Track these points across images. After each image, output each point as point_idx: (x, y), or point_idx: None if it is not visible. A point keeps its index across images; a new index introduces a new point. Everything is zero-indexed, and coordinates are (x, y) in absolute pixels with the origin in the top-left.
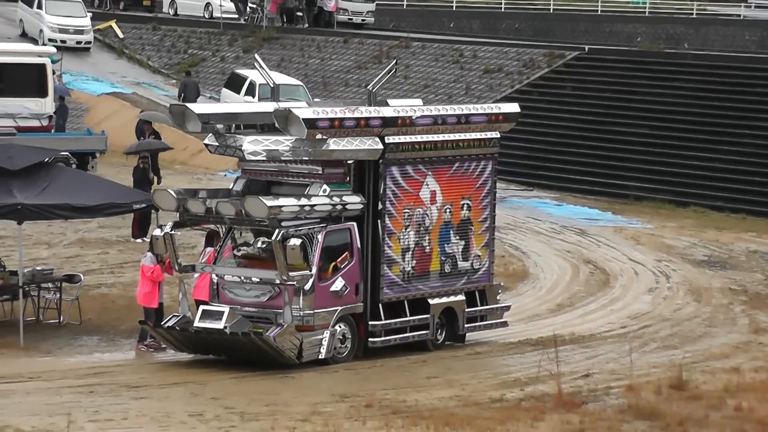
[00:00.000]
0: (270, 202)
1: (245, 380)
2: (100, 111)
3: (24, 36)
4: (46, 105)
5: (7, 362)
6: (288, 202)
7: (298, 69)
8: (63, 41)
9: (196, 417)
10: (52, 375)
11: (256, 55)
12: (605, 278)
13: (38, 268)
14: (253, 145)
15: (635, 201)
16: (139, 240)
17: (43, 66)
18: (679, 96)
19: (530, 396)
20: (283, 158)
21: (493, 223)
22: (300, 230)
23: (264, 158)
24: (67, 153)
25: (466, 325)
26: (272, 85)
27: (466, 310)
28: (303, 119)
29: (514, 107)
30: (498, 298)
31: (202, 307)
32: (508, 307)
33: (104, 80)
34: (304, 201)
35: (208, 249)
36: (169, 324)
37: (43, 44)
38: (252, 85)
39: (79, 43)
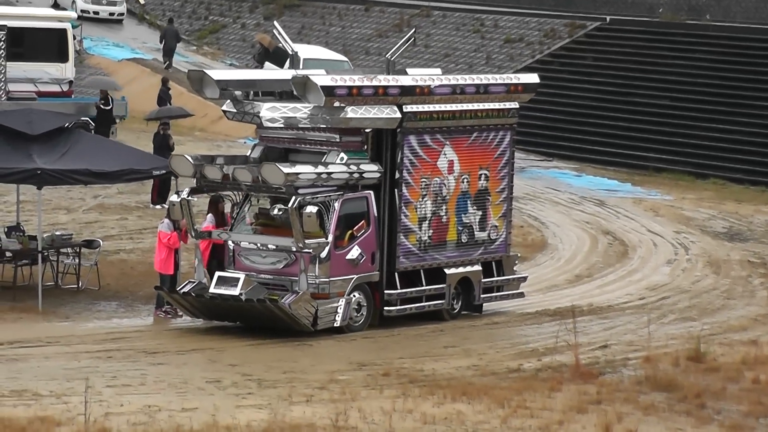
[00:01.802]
0: (287, 169)
1: (263, 347)
2: (120, 77)
3: (56, 7)
4: (67, 70)
5: (25, 326)
6: (305, 170)
7: (318, 37)
8: (96, 12)
9: (213, 383)
10: (71, 340)
11: (276, 23)
12: (624, 249)
13: (57, 233)
14: (271, 111)
15: (655, 172)
16: (158, 206)
17: (63, 31)
18: (700, 67)
19: (547, 366)
20: (300, 126)
21: (511, 194)
22: (316, 198)
23: (281, 125)
24: (87, 118)
25: (482, 296)
26: (291, 53)
27: (483, 280)
28: (321, 86)
29: (533, 78)
30: (515, 269)
31: (217, 273)
32: (524, 278)
33: (125, 46)
34: (321, 169)
35: (210, 216)
36: (185, 290)
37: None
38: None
39: (111, 14)
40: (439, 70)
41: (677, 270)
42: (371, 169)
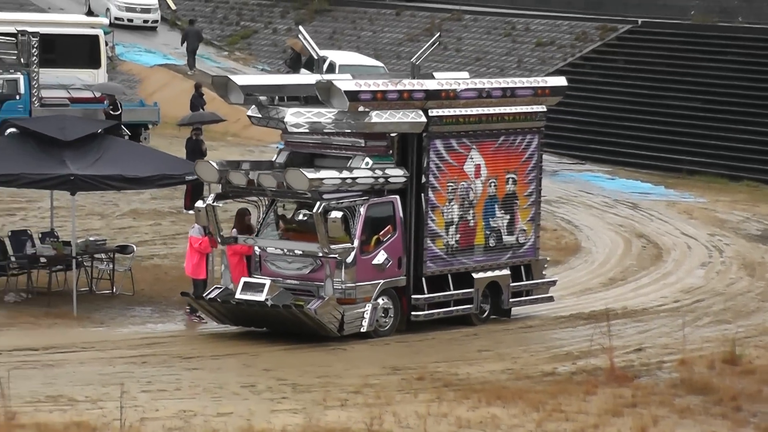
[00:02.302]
0: (311, 174)
1: (297, 352)
2: (152, 82)
3: (90, 14)
4: (99, 76)
5: (60, 332)
6: (329, 175)
7: (350, 42)
8: (130, 20)
9: (248, 388)
10: (105, 345)
11: (301, 27)
12: (658, 252)
13: (91, 238)
14: (295, 117)
15: (688, 175)
16: (191, 211)
17: (95, 37)
18: (732, 69)
19: (582, 370)
20: (325, 131)
21: (540, 198)
22: (341, 203)
23: (306, 131)
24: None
25: (511, 300)
26: (316, 57)
27: (511, 284)
28: (345, 91)
29: (561, 81)
30: (544, 273)
31: (243, 279)
32: (553, 282)
33: (156, 52)
34: (345, 174)
35: (234, 231)
36: (211, 296)
37: (110, 24)
38: (332, 65)
39: (146, 22)
40: (466, 74)
41: (711, 272)
42: (397, 174)
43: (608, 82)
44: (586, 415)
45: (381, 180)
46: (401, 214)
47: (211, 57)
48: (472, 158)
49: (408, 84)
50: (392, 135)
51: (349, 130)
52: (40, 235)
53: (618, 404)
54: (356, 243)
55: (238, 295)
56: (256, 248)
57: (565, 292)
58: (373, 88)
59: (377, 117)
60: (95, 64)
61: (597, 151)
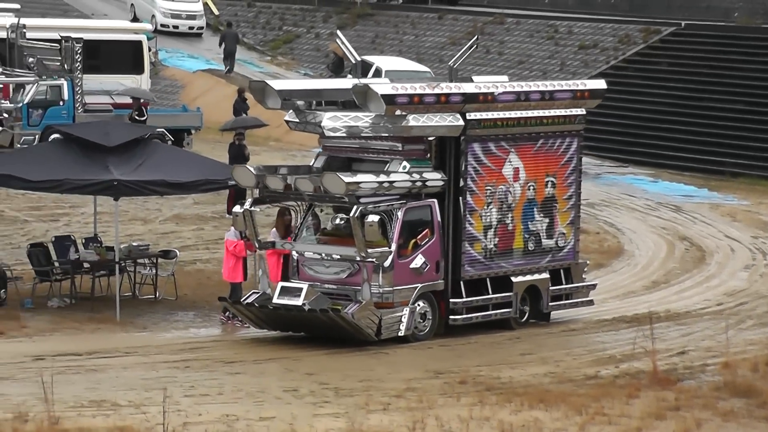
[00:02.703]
0: (348, 178)
1: (339, 356)
2: (195, 88)
3: (136, 21)
4: (142, 82)
5: (103, 337)
6: (366, 179)
7: (392, 46)
8: (175, 27)
9: (290, 392)
10: (148, 350)
11: (338, 32)
12: (701, 255)
13: (134, 243)
14: (333, 121)
15: (731, 177)
16: None
17: (139, 43)
18: None
19: (625, 373)
20: (362, 135)
21: (579, 201)
22: (379, 207)
23: (344, 135)
24: (162, 130)
25: (550, 304)
26: (354, 62)
27: (551, 288)
28: (382, 95)
29: (600, 84)
30: (584, 276)
31: (280, 284)
32: (593, 286)
33: (199, 57)
34: (382, 177)
35: (273, 231)
36: (248, 300)
37: (155, 30)
38: (378, 71)
39: (191, 28)
40: (505, 77)
41: (755, 275)
42: (434, 178)
43: (651, 85)
44: (629, 418)
45: (418, 184)
46: (439, 218)
47: (253, 62)
48: (510, 161)
49: (445, 87)
50: (430, 139)
51: (386, 134)
52: (83, 241)
53: (661, 407)
54: (394, 247)
55: (275, 300)
56: (294, 253)
57: (608, 295)
58: (410, 91)
59: (414, 120)
60: (138, 69)
61: (640, 153)
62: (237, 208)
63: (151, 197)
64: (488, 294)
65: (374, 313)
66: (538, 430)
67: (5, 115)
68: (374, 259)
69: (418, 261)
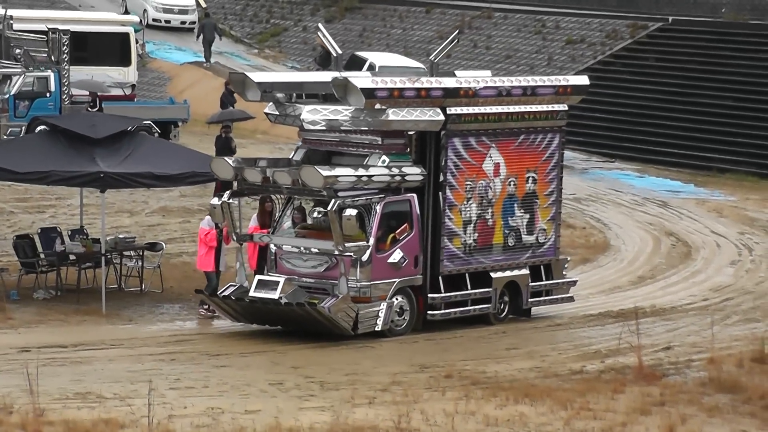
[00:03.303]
0: (326, 171)
1: (325, 350)
2: (182, 80)
3: (126, 14)
4: (129, 74)
5: (89, 329)
6: (344, 172)
7: (380, 39)
8: (167, 21)
9: (276, 386)
10: (134, 342)
11: (320, 25)
12: (687, 250)
13: (120, 236)
14: (312, 114)
15: (718, 173)
16: None
17: (126, 35)
18: (763, 67)
19: (611, 368)
20: (342, 128)
21: (560, 197)
22: (357, 201)
23: (323, 128)
24: (149, 122)
25: (530, 300)
26: (335, 55)
27: (531, 284)
28: (361, 89)
29: (582, 80)
30: (564, 273)
31: (257, 277)
32: (574, 282)
33: (187, 49)
34: (361, 171)
35: (254, 217)
36: (225, 293)
37: (147, 25)
38: (372, 66)
39: (183, 23)
40: (488, 72)
41: (741, 271)
42: (413, 172)
43: (639, 80)
44: (614, 413)
45: (397, 178)
46: (418, 213)
47: (241, 54)
48: (491, 157)
49: (426, 82)
50: (410, 133)
51: (365, 128)
52: (69, 233)
53: (646, 403)
54: (372, 241)
55: (251, 293)
56: (272, 246)
57: (594, 290)
58: (389, 85)
59: (394, 115)
60: (126, 61)
61: (626, 149)
62: (215, 200)
63: (137, 189)
64: (467, 289)
65: (351, 307)
66: (523, 425)
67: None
68: (352, 254)
69: (397, 255)
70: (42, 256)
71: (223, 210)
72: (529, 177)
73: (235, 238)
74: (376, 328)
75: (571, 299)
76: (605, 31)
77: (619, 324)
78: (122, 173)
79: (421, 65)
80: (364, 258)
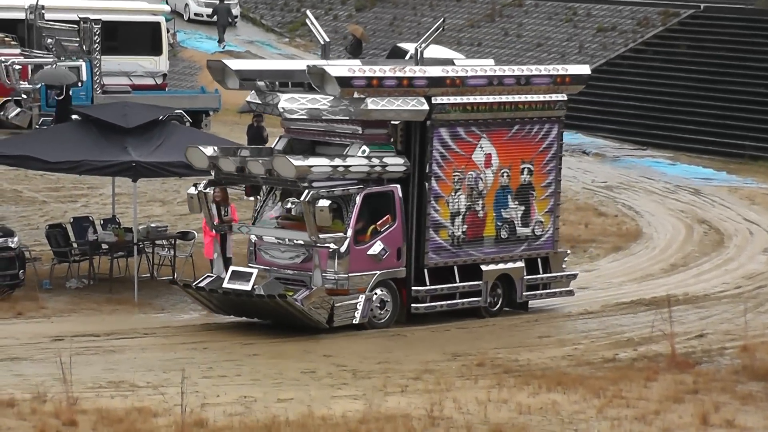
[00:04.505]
0: (298, 161)
1: (357, 338)
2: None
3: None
4: (160, 63)
5: (121, 318)
6: (319, 162)
7: (410, 28)
8: (210, 15)
9: (308, 374)
10: (166, 331)
11: (308, 12)
12: (719, 238)
13: (152, 225)
14: (290, 103)
15: (750, 160)
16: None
17: (157, 24)
18: None
19: (643, 356)
20: (322, 118)
21: (559, 189)
22: (333, 191)
23: (303, 117)
24: (181, 111)
25: (525, 293)
26: (323, 42)
27: (526, 277)
28: (336, 77)
29: (583, 69)
30: (564, 266)
31: (231, 268)
32: (574, 276)
33: (217, 39)
34: (337, 161)
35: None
36: (200, 284)
37: (188, 19)
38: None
39: None
40: (491, 61)
41: None
42: (395, 163)
43: (670, 68)
44: (647, 401)
45: (378, 168)
46: (402, 204)
47: (271, 44)
48: (482, 147)
49: (408, 71)
50: (395, 123)
51: (342, 117)
52: (101, 222)
53: (679, 391)
54: (350, 232)
55: (225, 284)
56: (252, 237)
57: (626, 278)
58: (368, 74)
59: (373, 104)
60: (157, 51)
61: (658, 136)
62: (191, 190)
63: (169, 179)
64: (455, 282)
65: (325, 299)
66: (555, 413)
67: (24, 96)
68: (326, 245)
69: (377, 247)
70: (74, 245)
71: (200, 200)
72: (524, 168)
73: (211, 228)
74: (354, 321)
75: (570, 293)
76: (636, 19)
77: (652, 312)
78: (154, 162)
79: (462, 56)
80: (342, 249)
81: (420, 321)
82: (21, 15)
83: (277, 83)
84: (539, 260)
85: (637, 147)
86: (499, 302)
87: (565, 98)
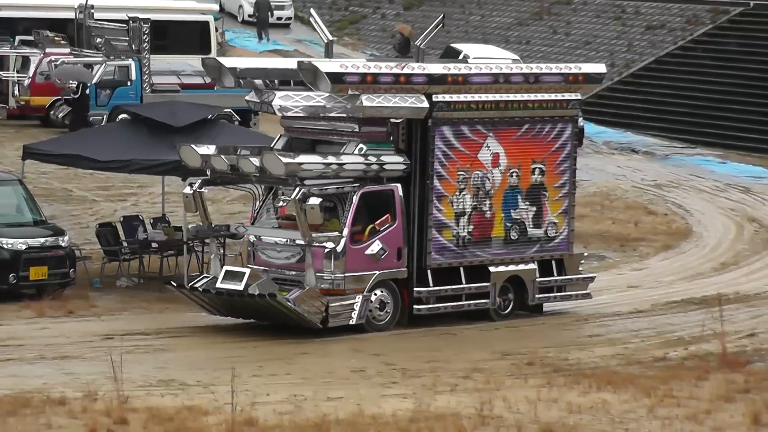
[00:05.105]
0: (287, 159)
1: (407, 337)
2: None
3: (222, 11)
4: None
5: (172, 317)
6: (309, 160)
7: (458, 26)
8: (250, 15)
9: (358, 373)
10: (216, 330)
11: (312, 11)
12: None
13: (202, 224)
14: (284, 100)
15: None
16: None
17: (206, 23)
18: None
19: (694, 355)
20: (317, 115)
21: (574, 189)
22: (326, 189)
23: (301, 115)
24: (230, 110)
25: (538, 296)
26: (326, 41)
27: (539, 279)
28: (327, 73)
29: (598, 68)
30: (580, 268)
31: (225, 268)
32: (592, 278)
33: (264, 37)
34: (330, 159)
35: None
36: (195, 285)
37: (242, 21)
38: (465, 58)
39: (279, 19)
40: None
41: None
42: (394, 161)
43: (719, 65)
44: (698, 400)
45: (374, 167)
46: (403, 203)
47: (319, 42)
48: (488, 146)
49: (407, 67)
50: (396, 121)
51: (339, 115)
52: (151, 221)
53: (730, 390)
54: (346, 232)
55: (218, 285)
56: (251, 237)
57: (676, 277)
58: (362, 70)
59: (368, 101)
60: (205, 50)
61: (708, 134)
62: (187, 189)
63: None
64: (461, 283)
65: (319, 299)
66: (606, 413)
67: (74, 95)
68: (317, 244)
69: (375, 247)
70: (124, 244)
71: (195, 199)
72: (535, 168)
73: (208, 229)
74: (351, 322)
75: (588, 296)
76: (685, 17)
77: (702, 311)
78: None
79: (517, 57)
80: (339, 249)
81: (425, 323)
82: (71, 15)
83: (276, 81)
84: (553, 262)
85: (687, 145)
86: (510, 305)
87: (579, 97)
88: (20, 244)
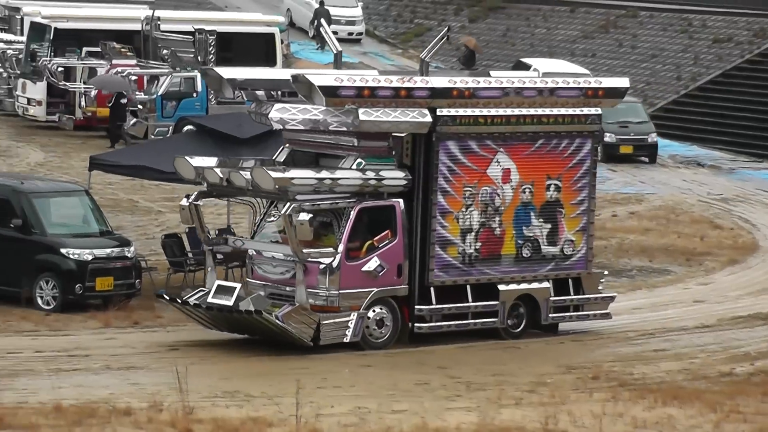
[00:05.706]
0: (276, 173)
1: (471, 350)
2: None
3: (292, 26)
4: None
5: None
6: (301, 174)
7: (523, 39)
8: (335, 32)
9: (422, 386)
10: (281, 342)
11: (322, 20)
12: None
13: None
14: (280, 113)
15: None
16: None
17: (271, 35)
18: None
19: (761, 371)
20: (319, 129)
21: (593, 206)
22: (318, 204)
23: (301, 128)
24: None
25: (552, 315)
26: (335, 52)
27: (554, 298)
28: (320, 87)
29: (621, 82)
30: (600, 288)
31: (217, 282)
32: (612, 298)
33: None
34: (324, 174)
35: None
36: (187, 299)
37: (312, 36)
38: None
39: (350, 34)
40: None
41: None
42: (394, 176)
43: None
44: (765, 416)
45: (372, 182)
46: (404, 219)
47: (384, 54)
48: (498, 162)
49: (407, 81)
50: (399, 135)
51: (336, 129)
52: (217, 232)
53: None
54: (341, 247)
55: (209, 299)
56: (251, 251)
57: (742, 292)
58: (358, 84)
59: (365, 115)
60: (271, 61)
61: None
62: (183, 202)
63: None
64: (468, 302)
65: (310, 316)
66: (671, 428)
67: (140, 106)
68: (307, 260)
69: (372, 264)
70: (190, 255)
71: (191, 212)
72: (550, 185)
73: (204, 241)
74: (345, 340)
75: (607, 316)
76: (753, 30)
77: None
78: None
79: (587, 71)
80: (334, 265)
81: (426, 341)
82: (137, 26)
83: (279, 93)
84: (570, 281)
85: (754, 159)
86: (522, 324)
87: (599, 112)
88: (86, 255)
